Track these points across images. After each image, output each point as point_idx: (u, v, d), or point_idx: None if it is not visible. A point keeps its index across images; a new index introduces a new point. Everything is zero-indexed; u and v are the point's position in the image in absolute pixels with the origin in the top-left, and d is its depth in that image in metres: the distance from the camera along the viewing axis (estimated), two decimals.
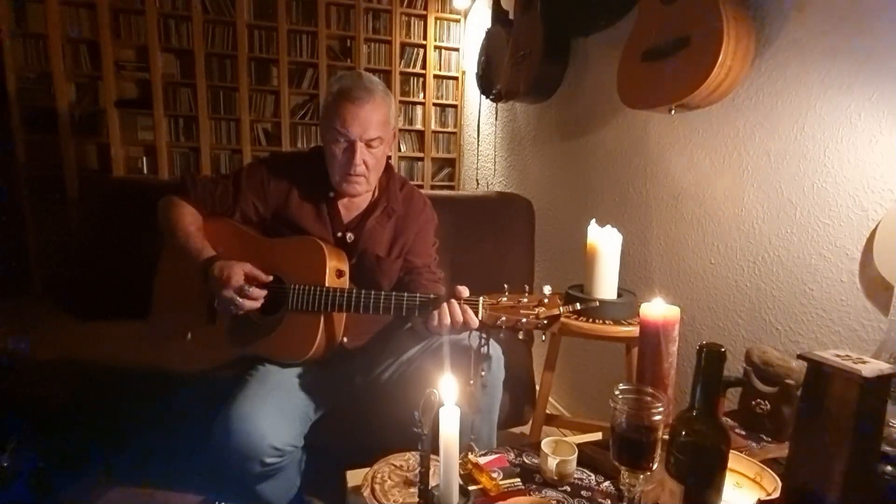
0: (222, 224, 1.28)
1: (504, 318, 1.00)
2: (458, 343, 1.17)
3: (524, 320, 0.99)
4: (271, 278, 1.14)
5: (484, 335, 1.07)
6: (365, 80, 1.21)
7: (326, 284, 1.14)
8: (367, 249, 1.27)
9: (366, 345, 1.31)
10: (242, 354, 1.20)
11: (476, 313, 1.01)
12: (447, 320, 1.01)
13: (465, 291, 1.02)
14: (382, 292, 1.10)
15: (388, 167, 1.35)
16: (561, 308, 0.99)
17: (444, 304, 1.01)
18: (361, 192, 1.26)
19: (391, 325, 1.32)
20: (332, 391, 1.29)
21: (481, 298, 1.02)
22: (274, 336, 1.18)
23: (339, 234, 1.28)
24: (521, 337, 1.02)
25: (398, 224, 1.32)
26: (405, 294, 1.09)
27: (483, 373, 1.10)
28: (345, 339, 1.23)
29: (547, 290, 1.01)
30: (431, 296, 1.06)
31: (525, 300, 1.00)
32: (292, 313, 1.15)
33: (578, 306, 1.04)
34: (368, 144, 1.20)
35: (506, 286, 1.02)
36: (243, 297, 1.10)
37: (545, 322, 0.99)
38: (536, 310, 0.99)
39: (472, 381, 1.08)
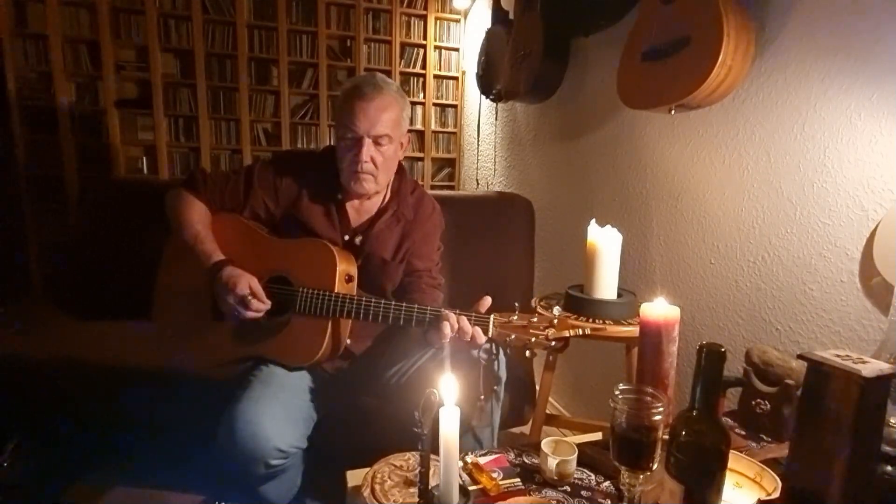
0: (231, 221, 1.26)
1: (514, 337, 1.01)
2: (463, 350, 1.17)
3: (533, 340, 0.99)
4: (269, 304, 1.14)
5: (494, 349, 1.08)
6: (378, 78, 1.21)
7: (336, 289, 1.14)
8: (373, 253, 1.27)
9: (369, 348, 1.31)
10: (247, 354, 1.20)
11: (486, 331, 1.02)
12: (451, 332, 1.01)
13: (487, 301, 1.03)
14: (392, 302, 1.10)
15: (400, 170, 1.34)
16: (570, 332, 0.99)
17: (454, 318, 1.01)
18: (369, 191, 1.24)
19: (394, 329, 1.32)
20: (335, 393, 1.29)
21: (492, 317, 1.02)
22: (280, 338, 1.17)
23: (347, 237, 1.27)
24: (528, 355, 1.02)
25: (405, 228, 1.31)
26: (416, 306, 1.08)
27: (495, 388, 1.10)
28: (349, 342, 1.23)
29: (557, 311, 1.01)
30: (443, 311, 1.04)
31: (535, 320, 1.01)
32: (299, 316, 1.15)
33: (588, 331, 1.03)
34: (377, 142, 1.19)
35: (516, 304, 1.03)
36: (245, 307, 1.10)
37: (553, 344, 0.99)
38: (546, 331, 0.99)
39: (482, 398, 1.08)
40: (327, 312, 1.12)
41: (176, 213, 1.23)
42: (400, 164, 1.32)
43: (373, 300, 1.10)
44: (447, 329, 1.01)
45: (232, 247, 1.19)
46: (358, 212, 1.30)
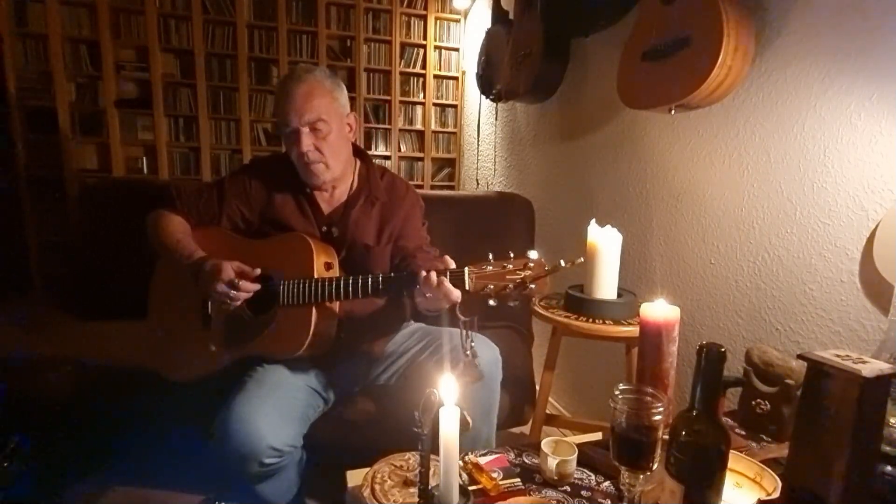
0: (210, 231, 1.29)
1: (491, 287, 1.00)
2: (456, 340, 1.17)
3: (511, 286, 0.99)
4: (259, 271, 1.14)
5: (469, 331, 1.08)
6: (302, 68, 1.23)
7: (315, 276, 1.14)
8: (355, 240, 1.27)
9: (364, 342, 1.31)
10: (239, 357, 1.20)
11: (462, 284, 1.01)
12: (430, 291, 1.01)
13: (450, 263, 1.03)
14: (369, 275, 1.10)
15: (364, 157, 1.35)
16: (546, 267, 0.99)
17: (430, 276, 1.01)
18: (325, 179, 1.25)
19: (389, 321, 1.32)
20: (331, 391, 1.29)
21: (466, 269, 1.01)
22: (268, 333, 1.18)
23: (324, 229, 1.28)
24: (511, 304, 1.01)
25: (383, 211, 1.32)
26: (391, 273, 1.09)
27: (473, 343, 1.11)
28: (342, 336, 1.23)
29: (532, 254, 1.00)
30: (414, 270, 1.05)
31: (510, 266, 1.00)
32: (285, 309, 1.16)
33: (563, 263, 1.02)
34: (313, 128, 1.19)
35: (490, 254, 1.02)
36: (235, 289, 1.10)
37: (532, 286, 0.99)
38: (522, 274, 0.99)
39: (467, 353, 1.09)
40: (310, 299, 1.13)
41: (155, 230, 1.25)
42: (362, 150, 1.34)
43: (350, 277, 1.11)
44: (425, 287, 1.01)
45: (213, 253, 1.20)
46: (329, 202, 1.31)
